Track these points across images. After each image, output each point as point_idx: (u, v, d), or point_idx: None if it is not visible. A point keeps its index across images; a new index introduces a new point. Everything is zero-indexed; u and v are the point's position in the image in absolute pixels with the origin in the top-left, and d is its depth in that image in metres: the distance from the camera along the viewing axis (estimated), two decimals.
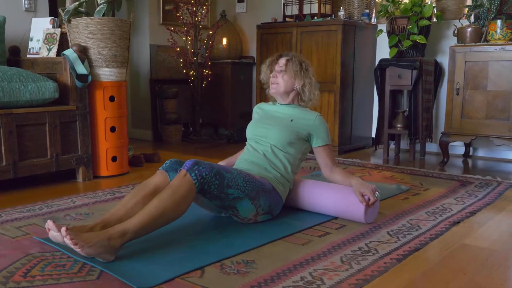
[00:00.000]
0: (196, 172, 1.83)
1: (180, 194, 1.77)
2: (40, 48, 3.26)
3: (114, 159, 3.22)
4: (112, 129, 3.21)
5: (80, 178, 3.07)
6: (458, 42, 3.64)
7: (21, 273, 1.60)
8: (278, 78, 2.31)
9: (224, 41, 5.05)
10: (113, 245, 1.65)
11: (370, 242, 1.94)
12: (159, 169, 2.02)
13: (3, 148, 2.66)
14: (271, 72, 2.35)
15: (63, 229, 1.59)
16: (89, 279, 1.56)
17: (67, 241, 1.59)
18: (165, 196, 1.76)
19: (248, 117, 5.19)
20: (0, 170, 2.66)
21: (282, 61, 2.33)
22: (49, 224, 1.70)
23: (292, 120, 2.28)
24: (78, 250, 1.59)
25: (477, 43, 3.47)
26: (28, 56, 3.31)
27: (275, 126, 2.27)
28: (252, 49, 5.25)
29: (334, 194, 2.24)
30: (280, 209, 2.23)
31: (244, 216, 2.07)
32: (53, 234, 1.70)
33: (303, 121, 2.27)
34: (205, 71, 4.80)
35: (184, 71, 4.77)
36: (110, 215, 1.86)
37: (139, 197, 1.90)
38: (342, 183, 2.25)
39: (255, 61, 4.87)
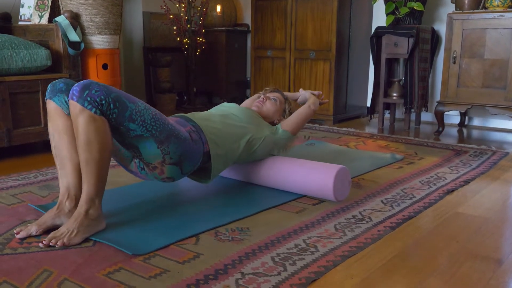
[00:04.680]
0: (88, 98, 1.53)
1: (94, 140, 1.56)
2: (31, 14, 3.20)
3: None
4: None
5: None
6: (456, 9, 3.60)
7: (17, 240, 1.61)
8: (266, 102, 2.35)
9: (218, 8, 4.97)
10: (93, 216, 1.63)
11: (364, 210, 1.95)
12: (46, 99, 1.75)
13: None
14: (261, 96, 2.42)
15: (41, 245, 1.54)
16: (85, 245, 1.57)
17: (55, 246, 1.55)
18: (84, 152, 1.57)
19: (242, 85, 5.19)
20: None
21: (279, 95, 2.42)
22: (20, 235, 1.62)
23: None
24: (67, 244, 1.55)
25: (475, 10, 3.43)
26: (19, 23, 3.26)
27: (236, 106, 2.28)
28: (246, 17, 5.18)
29: (300, 171, 2.08)
30: (195, 167, 1.92)
31: (149, 162, 1.76)
32: (28, 231, 1.64)
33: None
34: (199, 39, 4.74)
35: (178, 39, 4.71)
36: (64, 179, 1.73)
37: (63, 149, 1.71)
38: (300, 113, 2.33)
39: (250, 29, 4.81)
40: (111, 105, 1.57)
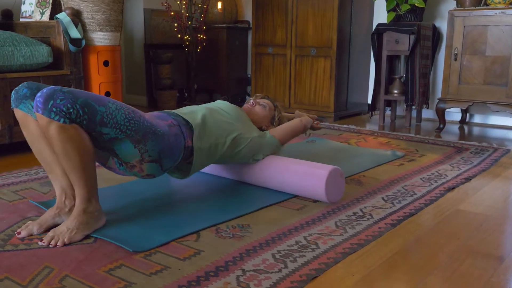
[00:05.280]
0: (54, 109, 1.44)
1: (70, 148, 1.50)
2: (33, 11, 3.20)
3: None
4: (107, 94, 3.18)
5: None
6: (457, 6, 3.59)
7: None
8: (255, 106, 2.34)
9: (219, 5, 4.97)
10: (92, 213, 1.63)
11: (365, 207, 1.95)
12: (12, 108, 1.68)
13: None
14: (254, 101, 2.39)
15: (40, 243, 1.55)
16: (86, 242, 1.57)
17: (57, 246, 1.55)
18: (64, 162, 1.54)
19: (243, 82, 5.18)
20: None
21: (269, 102, 2.40)
22: (21, 235, 1.62)
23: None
24: (68, 243, 1.56)
25: (477, 7, 3.43)
26: (21, 20, 3.26)
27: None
28: (247, 14, 5.18)
29: (292, 171, 2.03)
30: (176, 163, 1.83)
31: (127, 161, 1.68)
32: (30, 230, 1.64)
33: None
34: (200, 36, 4.73)
35: (179, 35, 4.70)
36: (57, 181, 1.72)
37: (46, 153, 1.68)
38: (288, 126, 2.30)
39: (251, 26, 4.80)
40: (80, 112, 1.48)
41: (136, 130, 1.62)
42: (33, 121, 1.64)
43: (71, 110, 1.46)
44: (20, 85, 1.66)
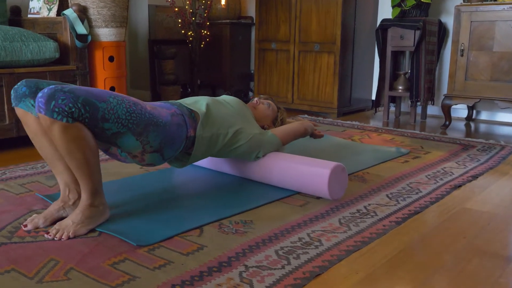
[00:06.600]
0: (56, 109, 1.45)
1: (74, 148, 1.51)
2: (40, 8, 3.21)
3: None
4: (112, 89, 3.19)
5: None
6: (463, 1, 3.56)
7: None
8: (259, 105, 2.34)
9: (223, 1, 4.95)
10: (98, 207, 1.64)
11: (369, 204, 1.94)
12: (13, 106, 1.69)
13: (6, 107, 2.70)
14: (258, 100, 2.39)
15: (46, 236, 1.56)
16: (91, 235, 1.58)
17: (62, 239, 1.56)
18: (70, 161, 1.55)
19: (246, 78, 5.18)
20: (3, 129, 2.70)
21: (272, 103, 2.41)
22: (27, 228, 1.63)
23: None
24: (72, 237, 1.57)
25: (484, 2, 3.40)
26: (28, 16, 3.28)
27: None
28: (251, 9, 5.16)
29: (294, 169, 2.01)
30: (177, 152, 1.84)
31: (129, 152, 1.71)
32: (36, 224, 1.66)
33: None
34: (203, 32, 4.72)
35: (183, 31, 4.70)
36: (60, 176, 1.73)
37: (48, 150, 1.69)
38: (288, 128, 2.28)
39: (254, 22, 4.79)
40: (82, 110, 1.49)
41: (137, 123, 1.63)
42: (33, 119, 1.65)
43: (73, 110, 1.47)
44: (18, 84, 1.66)
